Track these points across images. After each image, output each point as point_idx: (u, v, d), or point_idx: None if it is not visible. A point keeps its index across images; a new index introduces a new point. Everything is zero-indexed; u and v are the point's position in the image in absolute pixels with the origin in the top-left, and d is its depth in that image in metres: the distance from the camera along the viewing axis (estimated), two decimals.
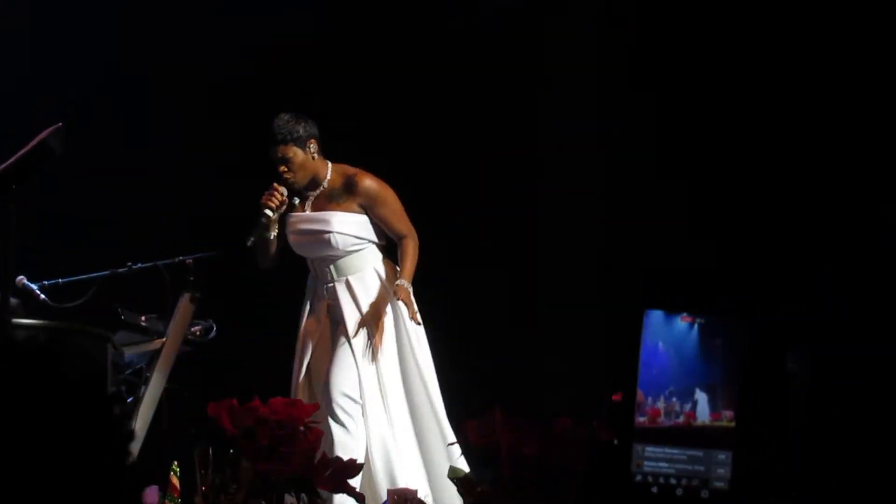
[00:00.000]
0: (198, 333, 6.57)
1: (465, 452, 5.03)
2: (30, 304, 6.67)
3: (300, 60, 8.20)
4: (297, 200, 6.13)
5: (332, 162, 6.16)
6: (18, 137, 5.61)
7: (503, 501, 4.24)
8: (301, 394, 5.98)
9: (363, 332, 5.97)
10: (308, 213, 6.12)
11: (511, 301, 8.25)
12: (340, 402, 5.83)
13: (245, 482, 4.31)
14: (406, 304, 5.94)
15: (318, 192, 6.12)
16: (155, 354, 6.27)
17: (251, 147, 6.43)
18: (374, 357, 5.94)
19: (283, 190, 6.05)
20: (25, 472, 1.28)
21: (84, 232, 8.01)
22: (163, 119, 8.17)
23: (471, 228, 8.29)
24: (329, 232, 6.03)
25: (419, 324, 5.99)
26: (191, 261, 6.30)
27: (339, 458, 4.43)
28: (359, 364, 5.90)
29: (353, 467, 4.28)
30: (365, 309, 6.00)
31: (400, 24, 8.27)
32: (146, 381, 6.15)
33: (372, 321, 5.97)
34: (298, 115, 6.09)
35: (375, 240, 6.11)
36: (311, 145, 6.06)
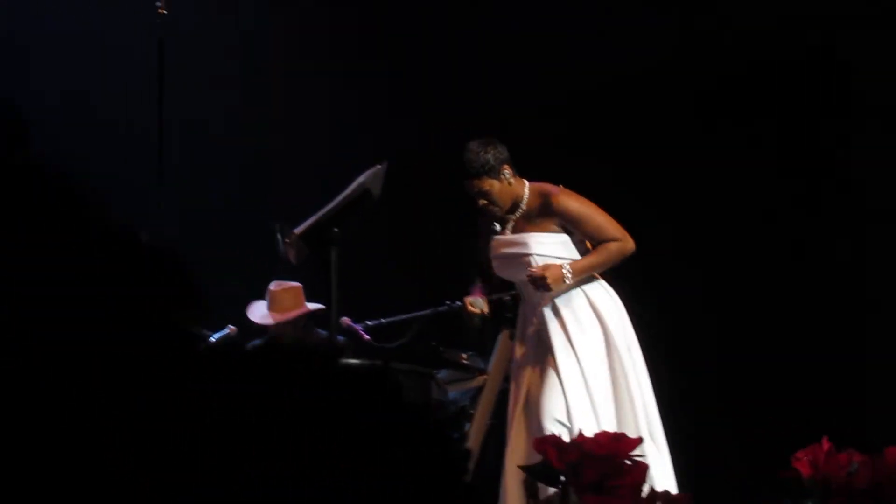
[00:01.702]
0: None
1: (791, 484, 4.83)
2: (354, 345, 6.82)
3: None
4: (497, 227, 6.00)
5: (530, 181, 5.97)
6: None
7: None
8: (517, 417, 5.81)
9: (571, 356, 5.77)
10: (508, 236, 5.97)
11: (827, 319, 7.94)
12: (551, 427, 5.64)
13: None
14: (537, 281, 5.72)
15: (517, 214, 5.97)
16: (477, 391, 6.31)
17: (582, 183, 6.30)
18: (584, 380, 5.73)
19: (480, 307, 5.94)
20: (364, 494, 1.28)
21: (405, 272, 8.15)
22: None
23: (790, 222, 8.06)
24: (528, 255, 5.87)
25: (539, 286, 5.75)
26: (509, 297, 6.31)
27: (667, 492, 4.34)
28: (566, 388, 5.70)
29: (683, 499, 4.19)
30: (573, 333, 5.81)
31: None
32: (470, 419, 6.20)
33: (580, 345, 5.79)
34: (487, 143, 5.90)
35: (578, 258, 5.90)
36: (506, 171, 5.89)
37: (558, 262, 5.85)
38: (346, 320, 6.79)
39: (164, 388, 1.29)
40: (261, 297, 7.41)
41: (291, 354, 1.40)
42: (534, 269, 5.78)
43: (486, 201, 5.90)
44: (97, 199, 1.30)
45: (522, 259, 5.90)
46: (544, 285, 5.75)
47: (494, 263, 6.01)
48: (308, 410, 1.34)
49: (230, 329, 7.11)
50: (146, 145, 6.03)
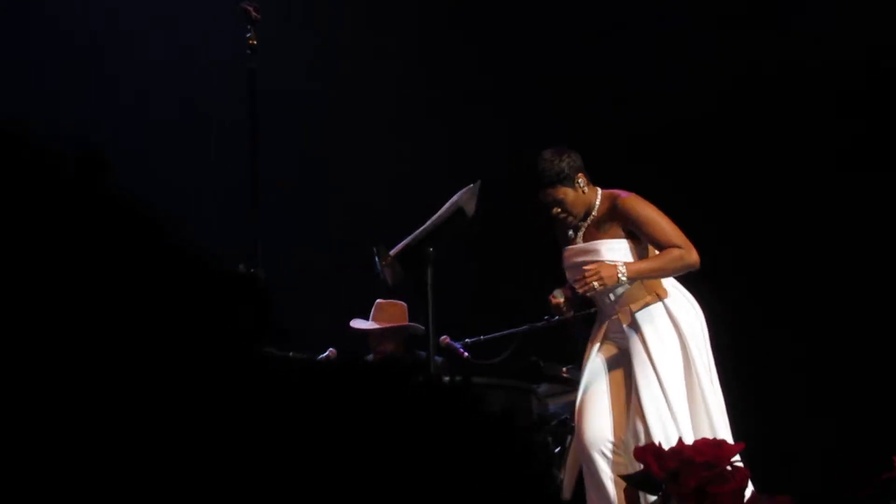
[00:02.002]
0: None
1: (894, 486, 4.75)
2: (454, 362, 6.88)
3: None
4: (571, 234, 5.93)
5: (603, 188, 5.92)
6: None
7: None
8: (584, 423, 5.75)
9: (651, 373, 5.69)
10: (579, 245, 5.90)
11: None
12: (622, 439, 5.61)
13: None
14: (588, 276, 5.64)
15: (588, 221, 5.89)
16: None
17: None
18: (662, 393, 5.65)
19: (559, 299, 5.83)
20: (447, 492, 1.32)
21: (502, 288, 8.19)
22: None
23: None
24: (599, 262, 5.76)
25: (582, 291, 5.68)
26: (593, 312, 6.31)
27: (770, 497, 4.33)
28: (644, 402, 5.62)
29: (785, 502, 4.18)
30: (653, 347, 5.73)
31: None
32: (571, 431, 6.21)
33: (660, 360, 5.70)
34: (561, 151, 5.85)
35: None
36: (580, 180, 5.83)
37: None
38: (445, 338, 6.85)
39: (260, 405, 1.34)
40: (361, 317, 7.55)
41: (375, 370, 1.44)
42: (588, 267, 5.70)
43: (559, 210, 5.86)
44: (176, 225, 1.35)
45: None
46: (596, 282, 5.65)
47: (567, 274, 5.94)
48: (390, 423, 1.38)
49: (330, 352, 7.20)
50: (238, 172, 6.13)
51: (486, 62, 8.52)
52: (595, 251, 5.82)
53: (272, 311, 1.30)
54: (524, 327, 6.79)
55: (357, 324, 7.51)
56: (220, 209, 7.09)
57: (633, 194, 5.89)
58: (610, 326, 5.89)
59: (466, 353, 6.88)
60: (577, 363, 6.50)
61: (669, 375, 5.71)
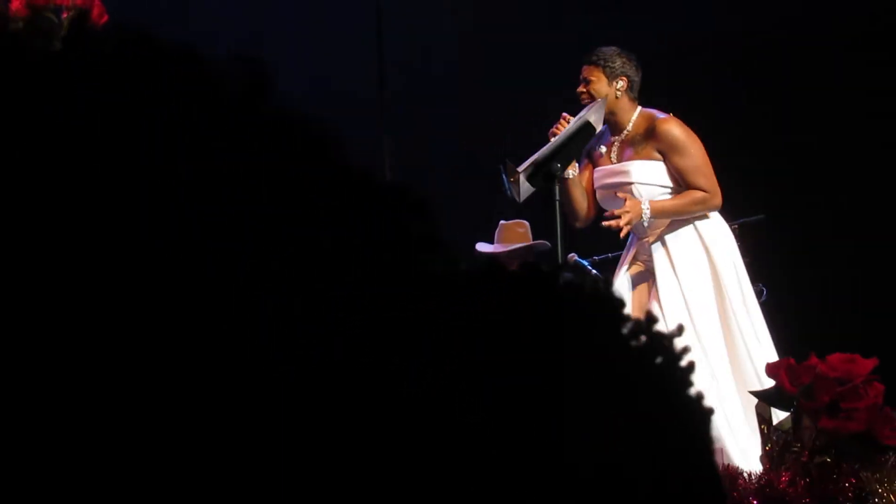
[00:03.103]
0: None
1: None
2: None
3: None
4: (603, 149, 5.84)
5: (644, 107, 5.79)
6: None
7: None
8: None
9: (677, 294, 5.59)
10: (611, 165, 5.80)
11: None
12: None
13: (808, 440, 4.25)
14: (620, 215, 5.53)
15: (621, 137, 5.79)
16: None
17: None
18: (688, 314, 5.52)
19: (571, 119, 5.71)
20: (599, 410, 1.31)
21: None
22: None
23: None
24: (631, 183, 5.69)
25: (616, 227, 5.58)
26: (736, 226, 6.25)
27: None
28: (667, 322, 5.46)
29: None
30: (680, 269, 5.62)
31: None
32: None
33: (685, 279, 5.59)
34: (628, 54, 5.79)
35: (684, 188, 5.68)
36: (620, 83, 5.74)
37: (662, 190, 5.69)
38: (572, 256, 6.83)
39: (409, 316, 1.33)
40: (486, 239, 7.56)
41: (514, 274, 1.42)
42: (613, 212, 5.61)
43: (584, 90, 5.80)
44: (340, 144, 1.35)
45: (625, 188, 5.76)
46: (634, 217, 5.57)
47: (598, 195, 5.90)
48: (532, 324, 1.37)
49: None
50: (367, 103, 6.13)
51: None
52: (626, 172, 5.75)
53: (438, 224, 1.29)
54: None
55: (483, 247, 7.49)
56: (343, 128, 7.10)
57: (674, 117, 5.76)
58: (639, 248, 5.83)
59: (595, 271, 6.86)
60: None
61: (695, 295, 5.61)
